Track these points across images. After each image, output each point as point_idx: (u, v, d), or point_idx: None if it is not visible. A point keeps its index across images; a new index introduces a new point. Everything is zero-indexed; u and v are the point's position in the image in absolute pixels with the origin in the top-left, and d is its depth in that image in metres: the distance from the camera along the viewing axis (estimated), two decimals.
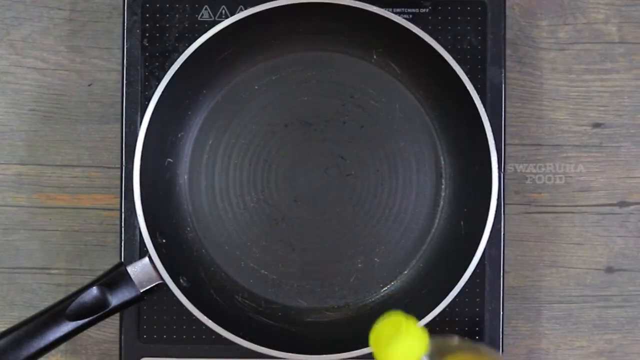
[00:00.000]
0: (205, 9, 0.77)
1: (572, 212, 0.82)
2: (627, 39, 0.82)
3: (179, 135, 0.79)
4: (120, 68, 0.77)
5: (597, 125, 0.82)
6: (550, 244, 0.82)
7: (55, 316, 0.72)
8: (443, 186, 0.79)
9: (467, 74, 0.75)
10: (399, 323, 0.59)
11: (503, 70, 0.77)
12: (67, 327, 0.72)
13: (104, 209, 0.81)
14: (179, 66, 0.75)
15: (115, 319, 0.77)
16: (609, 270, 0.82)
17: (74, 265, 0.81)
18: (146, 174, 0.75)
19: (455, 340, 0.64)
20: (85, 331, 0.73)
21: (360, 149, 0.79)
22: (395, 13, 0.76)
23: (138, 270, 0.74)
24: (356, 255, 0.79)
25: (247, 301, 0.79)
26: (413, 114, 0.79)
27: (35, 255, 0.81)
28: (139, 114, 0.76)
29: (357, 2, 0.75)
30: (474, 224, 0.75)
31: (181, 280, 0.75)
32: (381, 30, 0.76)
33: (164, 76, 0.75)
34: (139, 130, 0.75)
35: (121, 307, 0.74)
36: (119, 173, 0.76)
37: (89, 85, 0.81)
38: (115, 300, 0.73)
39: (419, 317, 0.74)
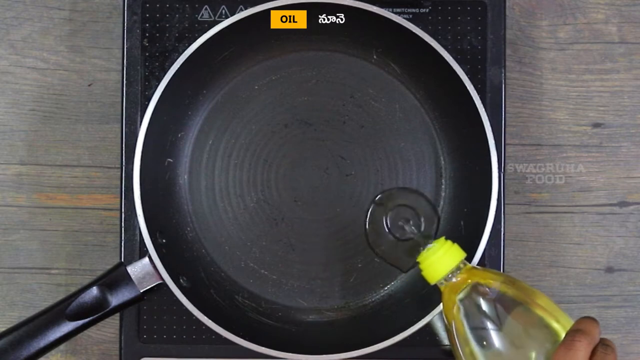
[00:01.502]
0: (205, 9, 0.77)
1: (572, 212, 0.82)
2: (627, 39, 0.82)
3: (179, 135, 0.79)
4: (120, 68, 0.77)
5: (597, 125, 0.82)
6: (550, 244, 0.82)
7: (55, 316, 0.72)
8: (443, 186, 0.79)
9: (467, 74, 0.75)
10: (438, 242, 0.71)
11: (503, 70, 0.77)
12: (67, 327, 0.72)
13: (104, 209, 0.81)
14: (179, 66, 0.75)
15: (115, 319, 0.77)
16: (609, 270, 0.82)
17: (74, 265, 0.81)
18: (146, 174, 0.75)
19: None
20: (85, 331, 0.73)
21: (360, 149, 0.79)
22: (395, 13, 0.76)
23: (138, 270, 0.74)
24: (356, 255, 0.79)
25: (247, 301, 0.79)
26: (413, 114, 0.79)
27: (35, 255, 0.81)
28: (139, 114, 0.76)
29: (357, 2, 0.75)
30: (474, 224, 0.75)
31: (181, 280, 0.75)
32: (381, 30, 0.76)
33: (164, 76, 0.75)
34: (139, 130, 0.75)
35: (121, 307, 0.74)
36: (119, 173, 0.76)
37: (89, 85, 0.81)
38: (115, 300, 0.73)
39: (419, 318, 0.74)
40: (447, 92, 0.77)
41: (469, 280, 0.69)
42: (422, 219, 0.74)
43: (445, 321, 0.71)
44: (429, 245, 0.71)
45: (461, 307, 0.69)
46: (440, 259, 0.70)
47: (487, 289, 0.69)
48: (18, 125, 0.81)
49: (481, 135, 0.75)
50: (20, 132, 0.81)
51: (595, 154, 0.82)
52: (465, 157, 0.78)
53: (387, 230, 0.74)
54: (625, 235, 0.82)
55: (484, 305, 0.68)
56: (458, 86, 0.75)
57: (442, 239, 0.71)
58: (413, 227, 0.73)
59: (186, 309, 0.74)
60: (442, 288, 0.70)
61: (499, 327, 0.68)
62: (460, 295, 0.69)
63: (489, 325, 0.68)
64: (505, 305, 0.68)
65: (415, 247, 0.72)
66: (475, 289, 0.69)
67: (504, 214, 0.77)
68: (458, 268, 0.70)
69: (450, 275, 0.70)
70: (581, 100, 0.82)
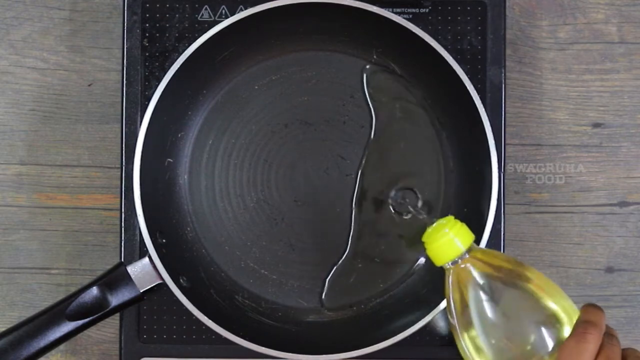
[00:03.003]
0: (205, 9, 0.77)
1: (572, 212, 0.82)
2: (627, 39, 0.82)
3: (179, 135, 0.79)
4: (120, 68, 0.77)
5: (597, 125, 0.82)
6: (550, 244, 0.82)
7: (55, 316, 0.72)
8: (443, 186, 0.79)
9: (467, 74, 0.75)
10: (447, 222, 0.68)
11: (503, 70, 0.77)
12: (67, 327, 0.72)
13: (104, 209, 0.81)
14: (179, 66, 0.75)
15: (115, 319, 0.77)
16: (609, 270, 0.82)
17: (74, 265, 0.81)
18: (146, 174, 0.75)
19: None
20: (85, 331, 0.73)
21: (360, 149, 0.79)
22: (395, 13, 0.76)
23: (138, 270, 0.74)
24: (356, 255, 0.79)
25: (247, 301, 0.79)
26: (413, 114, 0.79)
27: (35, 255, 0.81)
28: (139, 114, 0.76)
29: (357, 2, 0.75)
30: (474, 224, 0.75)
31: (181, 280, 0.75)
32: (381, 30, 0.76)
33: (164, 76, 0.75)
34: (139, 130, 0.75)
35: (121, 307, 0.74)
36: (119, 173, 0.76)
37: (89, 85, 0.81)
38: (115, 300, 0.73)
39: (419, 318, 0.74)
40: (447, 92, 0.77)
41: (476, 263, 0.68)
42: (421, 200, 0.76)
43: (450, 304, 0.69)
44: (434, 224, 0.69)
45: (466, 290, 0.68)
46: (450, 242, 0.68)
47: (493, 271, 0.68)
48: (18, 125, 0.81)
49: (481, 135, 0.75)
50: (20, 132, 0.81)
51: (595, 154, 0.82)
52: (465, 157, 0.78)
53: (390, 206, 0.77)
54: (625, 235, 0.82)
55: (488, 288, 0.68)
56: (458, 86, 0.75)
57: (451, 218, 0.69)
58: (413, 206, 0.75)
59: (186, 309, 0.74)
60: (446, 269, 0.69)
61: (503, 310, 0.67)
62: (466, 278, 0.68)
63: (493, 308, 0.67)
64: (510, 289, 0.67)
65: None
66: (482, 271, 0.68)
67: (504, 214, 0.77)
68: (466, 250, 0.69)
69: (457, 258, 0.68)
70: (581, 100, 0.82)
